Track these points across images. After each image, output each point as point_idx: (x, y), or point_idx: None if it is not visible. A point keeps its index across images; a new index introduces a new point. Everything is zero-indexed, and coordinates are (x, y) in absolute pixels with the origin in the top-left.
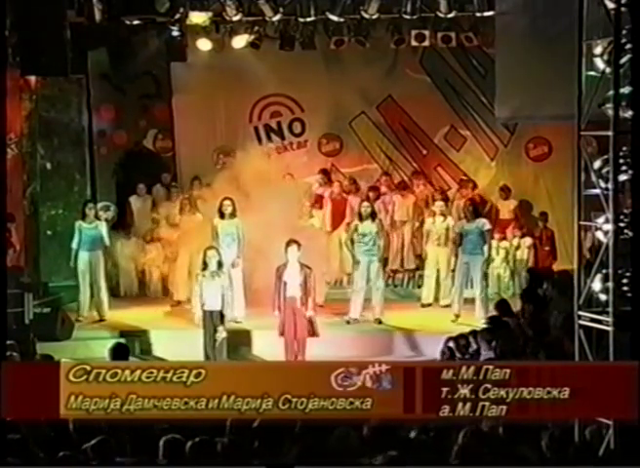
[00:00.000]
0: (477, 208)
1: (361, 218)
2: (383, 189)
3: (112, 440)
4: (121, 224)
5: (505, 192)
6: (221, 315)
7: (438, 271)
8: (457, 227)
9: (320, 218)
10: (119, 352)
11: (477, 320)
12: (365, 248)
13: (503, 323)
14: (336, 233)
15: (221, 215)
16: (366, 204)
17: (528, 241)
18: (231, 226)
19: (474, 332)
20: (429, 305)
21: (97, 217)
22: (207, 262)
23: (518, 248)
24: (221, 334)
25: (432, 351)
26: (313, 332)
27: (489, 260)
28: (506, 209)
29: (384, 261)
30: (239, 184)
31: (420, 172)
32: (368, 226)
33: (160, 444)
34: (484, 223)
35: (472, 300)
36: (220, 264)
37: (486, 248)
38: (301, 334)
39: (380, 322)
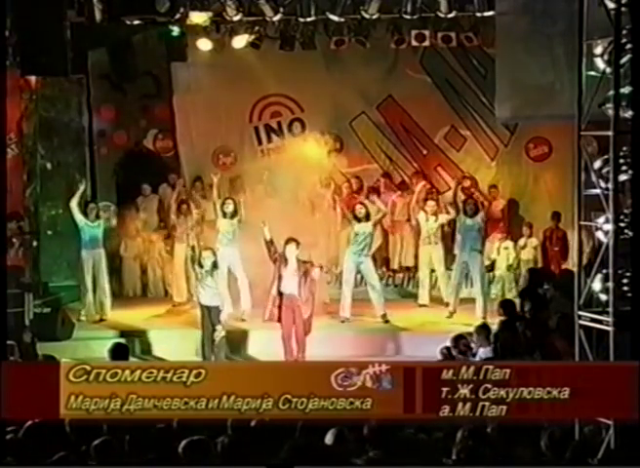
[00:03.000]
0: (477, 204)
1: (358, 220)
2: (383, 190)
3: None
4: (128, 224)
5: (495, 191)
6: (219, 314)
7: (433, 270)
8: (458, 223)
9: (325, 218)
10: (119, 352)
11: (477, 319)
12: (356, 248)
13: (504, 323)
14: (344, 233)
15: (223, 215)
16: (359, 206)
17: (534, 241)
18: (233, 226)
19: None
20: (425, 306)
21: (97, 217)
22: (202, 263)
23: (524, 247)
24: (220, 334)
25: (431, 350)
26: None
27: (493, 262)
28: (496, 208)
29: (384, 261)
30: (241, 183)
31: (419, 172)
32: (362, 227)
33: (180, 447)
34: (482, 219)
35: (472, 300)
36: (215, 265)
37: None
38: (301, 333)
39: (386, 320)
